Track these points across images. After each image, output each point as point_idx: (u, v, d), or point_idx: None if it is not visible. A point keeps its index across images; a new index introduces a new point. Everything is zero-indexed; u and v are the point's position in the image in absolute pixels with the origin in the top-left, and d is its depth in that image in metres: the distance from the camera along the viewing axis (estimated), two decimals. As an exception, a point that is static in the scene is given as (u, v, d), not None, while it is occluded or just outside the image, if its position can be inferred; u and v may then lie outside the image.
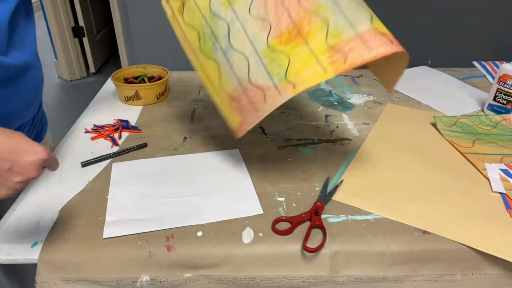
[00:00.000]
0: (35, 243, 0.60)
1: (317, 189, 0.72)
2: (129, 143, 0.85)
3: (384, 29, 0.58)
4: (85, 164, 0.78)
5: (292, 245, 0.61)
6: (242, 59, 0.61)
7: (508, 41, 2.20)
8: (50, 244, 0.60)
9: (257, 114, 0.58)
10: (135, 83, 1.04)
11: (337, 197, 0.70)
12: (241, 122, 0.61)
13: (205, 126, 0.92)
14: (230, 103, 0.63)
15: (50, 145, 0.91)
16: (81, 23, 2.92)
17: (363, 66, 0.58)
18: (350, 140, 0.87)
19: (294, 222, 0.63)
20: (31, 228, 0.63)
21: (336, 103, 1.04)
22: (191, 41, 0.68)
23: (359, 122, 0.95)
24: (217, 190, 0.71)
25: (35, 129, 0.83)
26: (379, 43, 0.54)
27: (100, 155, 0.80)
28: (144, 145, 0.83)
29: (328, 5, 0.57)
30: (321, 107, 1.01)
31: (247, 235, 0.62)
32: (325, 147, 0.84)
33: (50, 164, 0.53)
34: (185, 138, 0.88)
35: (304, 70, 0.56)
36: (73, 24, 2.95)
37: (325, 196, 0.69)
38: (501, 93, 0.95)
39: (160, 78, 1.06)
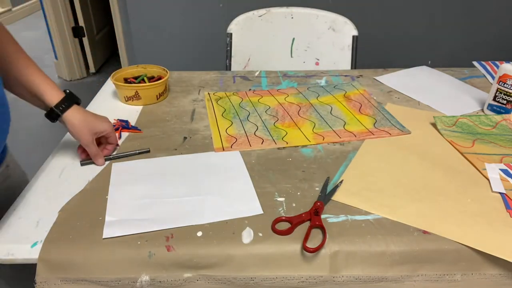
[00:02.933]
0: (35, 243, 0.60)
1: (317, 189, 0.72)
2: (129, 143, 0.85)
3: (353, 128, 0.91)
4: (84, 163, 0.78)
5: (292, 245, 0.61)
6: (253, 126, 0.92)
7: (508, 41, 2.20)
8: (50, 244, 0.60)
9: (249, 146, 0.84)
10: (135, 83, 1.04)
11: (337, 197, 0.70)
12: (226, 147, 0.84)
13: (205, 126, 0.92)
14: (227, 137, 0.87)
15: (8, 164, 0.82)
16: (81, 23, 2.91)
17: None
18: (350, 140, 0.87)
19: (294, 222, 0.63)
20: (31, 228, 0.63)
21: (336, 103, 1.04)
22: (217, 112, 0.98)
23: (359, 122, 0.95)
24: (217, 190, 0.71)
25: None
26: (346, 135, 0.88)
27: (100, 155, 0.80)
28: (146, 151, 0.82)
29: (316, 116, 0.96)
30: (321, 107, 1.01)
31: (247, 235, 0.62)
32: (325, 147, 0.84)
33: None
34: (185, 138, 0.88)
35: (296, 138, 0.87)
36: (73, 24, 2.95)
37: (325, 196, 0.69)
38: (501, 93, 0.95)
39: (160, 78, 1.06)
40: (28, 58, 0.74)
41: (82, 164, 0.78)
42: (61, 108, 0.73)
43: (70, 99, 0.74)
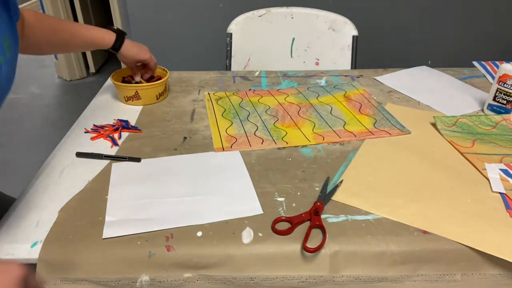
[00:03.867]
0: (35, 243, 0.60)
1: (317, 189, 0.72)
2: (129, 143, 0.85)
3: (353, 128, 0.91)
4: (79, 155, 0.80)
5: (291, 245, 0.61)
6: (253, 126, 0.92)
7: (508, 41, 2.20)
8: (50, 244, 0.60)
9: (249, 146, 0.84)
10: (135, 82, 1.04)
11: (337, 197, 0.70)
12: (226, 147, 0.84)
13: (205, 126, 0.92)
14: (227, 137, 0.87)
15: None
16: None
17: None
18: (350, 140, 0.87)
19: (294, 222, 0.63)
20: (31, 228, 0.63)
21: (336, 103, 1.04)
22: (216, 112, 0.98)
23: (359, 122, 0.95)
24: (217, 190, 0.71)
25: None
26: (346, 135, 0.88)
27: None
28: (137, 160, 0.80)
29: (316, 117, 0.96)
30: (321, 107, 1.01)
31: (247, 235, 0.62)
32: (325, 147, 0.84)
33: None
34: (185, 138, 0.88)
35: (296, 138, 0.87)
36: (73, 24, 2.95)
37: (325, 196, 0.69)
38: (501, 93, 0.95)
39: (159, 78, 1.06)
40: (71, 23, 0.92)
41: (77, 155, 0.79)
42: (116, 47, 0.95)
43: (120, 38, 0.95)
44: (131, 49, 0.97)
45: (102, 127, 0.91)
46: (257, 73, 1.22)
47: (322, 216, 0.65)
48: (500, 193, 0.71)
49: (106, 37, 0.93)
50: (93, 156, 0.80)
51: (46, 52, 0.92)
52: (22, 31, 0.79)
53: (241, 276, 0.60)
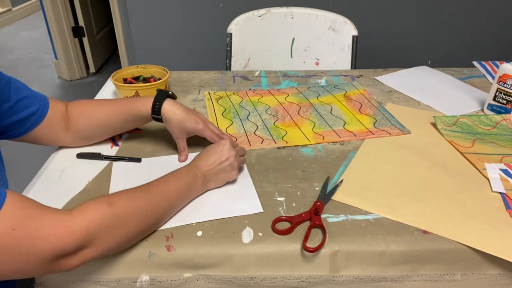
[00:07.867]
0: (35, 243, 0.60)
1: (317, 189, 0.72)
2: (129, 143, 0.85)
3: (353, 128, 0.91)
4: (80, 156, 0.79)
5: (292, 245, 0.61)
6: (253, 125, 0.93)
7: (508, 41, 2.20)
8: (50, 244, 0.59)
9: (249, 146, 0.85)
10: (134, 83, 1.04)
11: (337, 197, 0.70)
12: None
13: (205, 126, 0.92)
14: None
15: None
16: (81, 23, 2.91)
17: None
18: (350, 139, 0.87)
19: (294, 221, 0.63)
20: (31, 228, 0.63)
21: (336, 103, 1.03)
22: (217, 111, 0.99)
23: (359, 122, 0.95)
24: (217, 189, 0.71)
25: None
26: (346, 135, 0.89)
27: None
28: (137, 160, 0.80)
29: (316, 116, 0.96)
30: (321, 107, 1.01)
31: (247, 234, 0.62)
32: (325, 147, 0.84)
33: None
34: (185, 138, 0.87)
35: (296, 137, 0.87)
36: (73, 24, 2.95)
37: (325, 196, 0.69)
38: (501, 93, 0.95)
39: (159, 78, 1.06)
40: (108, 102, 0.81)
41: (77, 156, 0.79)
42: (156, 109, 0.76)
43: (159, 99, 0.77)
44: (176, 113, 0.77)
45: (102, 127, 0.91)
46: (257, 73, 1.22)
47: (322, 216, 0.65)
48: (500, 193, 0.71)
49: (145, 103, 0.78)
50: (93, 156, 0.80)
51: (96, 139, 0.84)
52: (66, 124, 0.79)
53: (241, 276, 0.60)
